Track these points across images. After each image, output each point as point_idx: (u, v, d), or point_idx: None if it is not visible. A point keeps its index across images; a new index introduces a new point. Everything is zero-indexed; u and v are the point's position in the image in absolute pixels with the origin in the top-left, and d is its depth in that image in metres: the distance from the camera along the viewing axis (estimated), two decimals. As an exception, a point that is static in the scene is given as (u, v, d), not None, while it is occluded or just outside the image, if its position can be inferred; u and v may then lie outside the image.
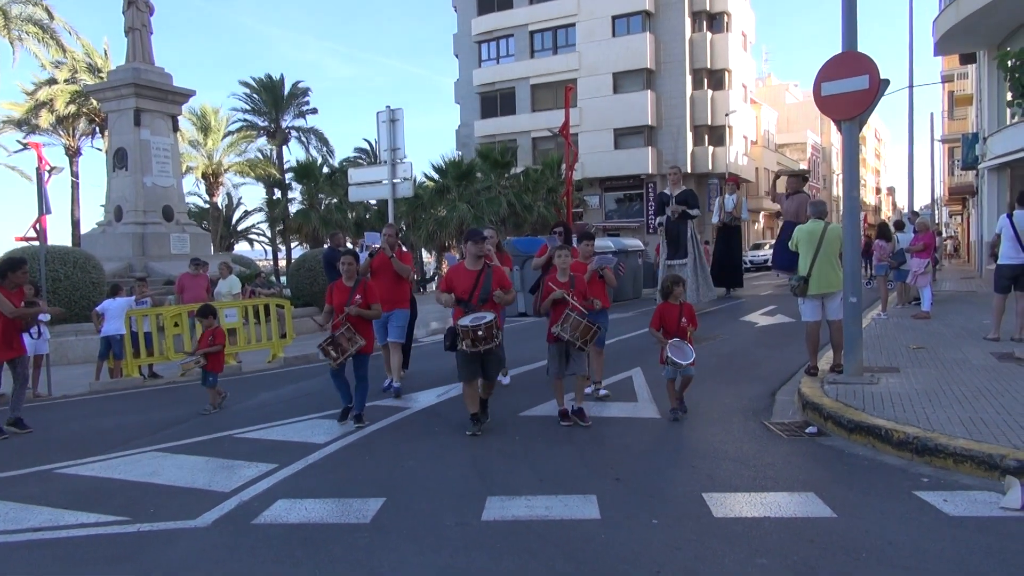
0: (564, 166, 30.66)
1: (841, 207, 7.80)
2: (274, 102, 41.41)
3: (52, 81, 33.40)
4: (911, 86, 23.36)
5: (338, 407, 7.24)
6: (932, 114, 34.47)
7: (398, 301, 8.40)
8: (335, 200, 34.22)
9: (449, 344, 6.36)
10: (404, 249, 9.00)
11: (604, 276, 7.46)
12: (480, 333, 6.12)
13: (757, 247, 40.92)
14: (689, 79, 40.87)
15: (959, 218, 51.57)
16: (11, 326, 7.62)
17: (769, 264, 28.03)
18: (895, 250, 13.50)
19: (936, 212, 43.30)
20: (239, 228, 47.38)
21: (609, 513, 4.43)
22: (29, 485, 5.58)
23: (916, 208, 24.73)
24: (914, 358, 8.59)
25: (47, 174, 11.43)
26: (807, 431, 6.13)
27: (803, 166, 60.35)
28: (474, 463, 5.57)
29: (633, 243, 22.44)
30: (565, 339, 6.39)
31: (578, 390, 6.71)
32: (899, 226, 14.60)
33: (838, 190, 71.45)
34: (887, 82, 7.21)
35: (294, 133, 42.68)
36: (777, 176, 15.81)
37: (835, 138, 68.83)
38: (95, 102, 26.41)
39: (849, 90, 7.08)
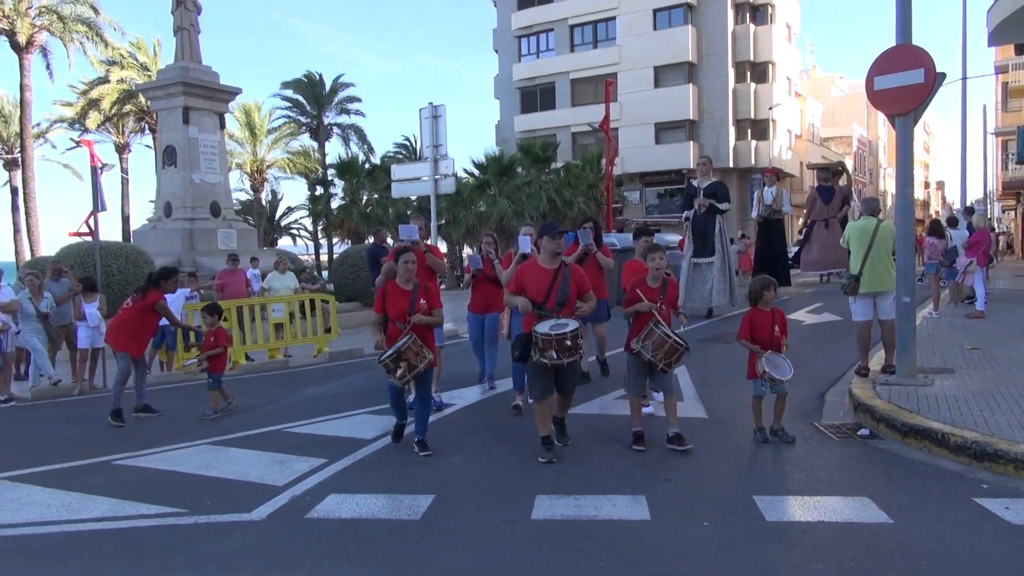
0: (604, 161, 30.56)
1: (890, 202, 7.64)
2: (316, 99, 41.89)
3: (103, 80, 34.26)
4: (964, 78, 22.72)
5: (384, 402, 6.75)
6: (984, 106, 33.56)
7: (433, 300, 7.82)
8: (376, 195, 34.50)
9: (519, 354, 5.55)
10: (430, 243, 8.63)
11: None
12: (567, 343, 5.31)
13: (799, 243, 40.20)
14: (732, 72, 40.28)
15: (1013, 213, 50.05)
16: (143, 325, 8.03)
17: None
18: (948, 247, 13.16)
19: (989, 207, 42.07)
20: (282, 223, 48.14)
21: (659, 514, 4.41)
22: (90, 476, 5.75)
23: (968, 203, 24.05)
24: (969, 359, 8.37)
25: (100, 170, 11.75)
26: (859, 433, 6.02)
27: (848, 160, 59.17)
28: (521, 461, 5.59)
29: (673, 239, 22.21)
30: (646, 358, 5.66)
31: (670, 412, 5.87)
32: (952, 222, 14.22)
33: (885, 184, 69.97)
34: (943, 75, 7.02)
35: (336, 130, 43.15)
36: (816, 170, 15.49)
37: (882, 131, 67.31)
38: (144, 100, 27.03)
39: (904, 84, 6.92)
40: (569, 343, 5.29)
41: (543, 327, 5.37)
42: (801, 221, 12.47)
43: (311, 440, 6.54)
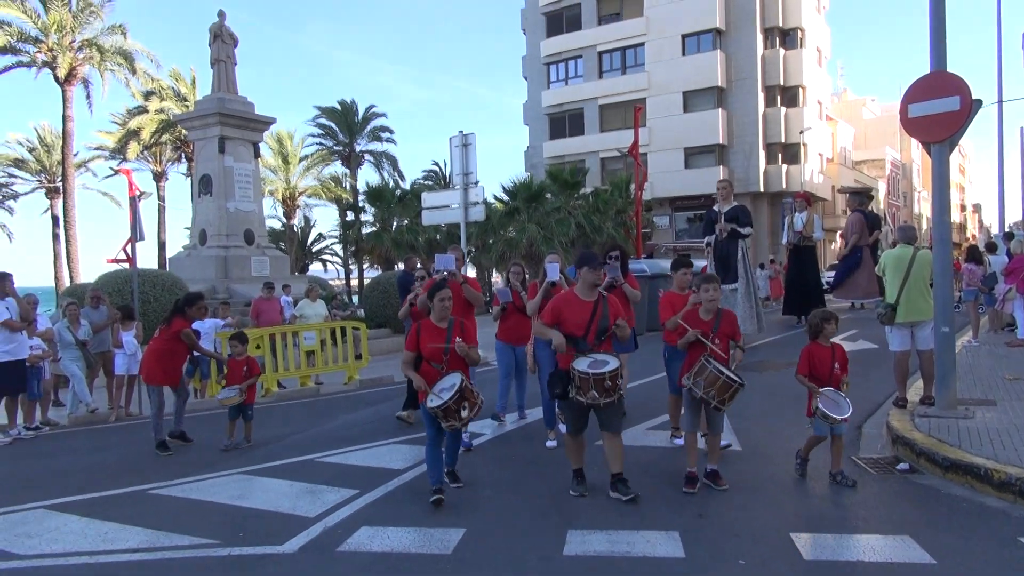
0: (633, 186, 30.54)
1: (925, 225, 7.53)
2: (348, 127, 42.55)
3: (143, 110, 35.17)
4: (1000, 100, 22.39)
5: (420, 432, 6.57)
6: (1022, 128, 32.96)
7: (468, 339, 6.83)
8: (406, 222, 34.83)
9: (560, 392, 5.27)
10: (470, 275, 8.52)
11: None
12: (607, 383, 5.06)
13: (833, 268, 39.72)
14: (762, 96, 40.17)
15: (1053, 236, 48.90)
16: (173, 354, 7.97)
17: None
18: (987, 273, 12.89)
19: (1027, 230, 41.17)
20: (313, 249, 48.73)
21: (693, 551, 4.34)
22: (125, 505, 5.82)
23: (1007, 227, 23.59)
24: (1011, 390, 8.16)
25: (138, 199, 12.01)
26: (898, 468, 5.88)
27: (881, 184, 58.45)
28: (551, 494, 5.54)
29: (699, 264, 22.09)
30: (697, 395, 5.40)
31: (712, 448, 5.66)
32: (991, 248, 13.94)
33: (920, 208, 68.95)
34: (979, 103, 6.93)
35: (368, 157, 43.75)
36: (848, 194, 14.66)
37: (915, 154, 66.46)
38: (182, 130, 27.69)
39: (939, 111, 6.83)
40: (609, 383, 5.04)
41: (582, 364, 5.11)
42: (846, 244, 11.86)
43: (342, 470, 6.55)
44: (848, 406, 5.49)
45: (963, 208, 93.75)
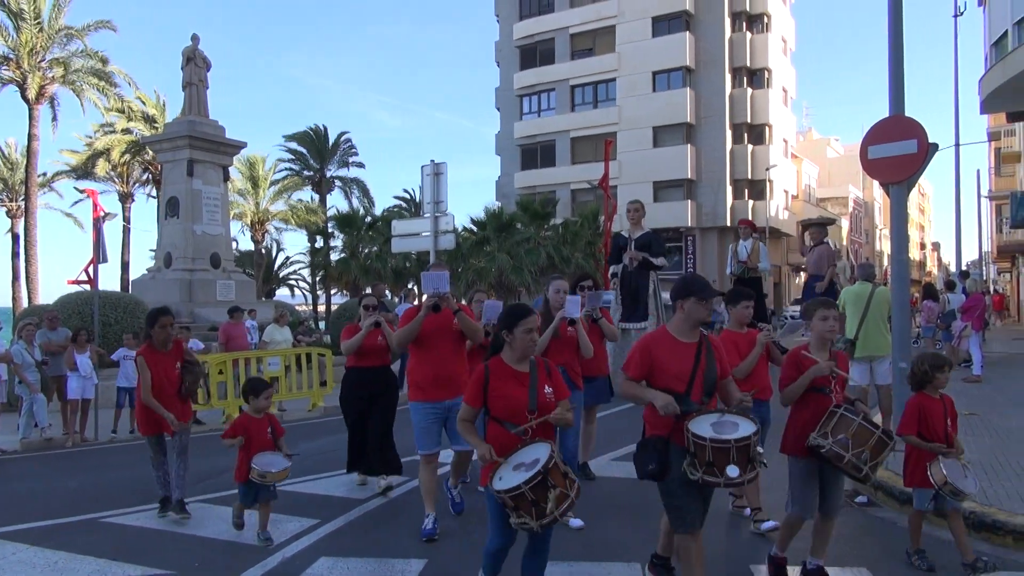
0: (603, 218, 30.83)
1: (887, 265, 7.71)
2: (319, 153, 42.50)
3: (111, 130, 34.79)
4: (957, 144, 23.14)
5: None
6: (979, 171, 34.16)
7: (463, 380, 5.30)
8: (375, 249, 34.72)
9: (658, 468, 3.70)
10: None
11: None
12: (752, 453, 3.57)
13: (798, 303, 40.37)
14: (729, 133, 41.03)
15: (1008, 275, 50.37)
16: (158, 391, 5.98)
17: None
18: (945, 311, 13.22)
19: (984, 270, 42.33)
20: (280, 274, 48.29)
21: (654, 584, 4.33)
22: (77, 534, 5.66)
23: (963, 266, 24.25)
24: (966, 425, 8.32)
25: (102, 220, 11.86)
26: (857, 500, 5.96)
27: (844, 220, 59.79)
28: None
29: (668, 296, 22.33)
30: (846, 458, 3.99)
31: (821, 538, 4.37)
32: (950, 286, 14.32)
33: (881, 245, 70.57)
34: (936, 146, 7.18)
35: (338, 183, 43.66)
36: (805, 227, 12.91)
37: (877, 193, 68.15)
38: (150, 151, 27.44)
39: (897, 154, 7.05)
40: (752, 452, 3.57)
41: (703, 427, 3.59)
42: (814, 277, 11.03)
43: (303, 499, 6.45)
44: (974, 479, 4.55)
45: (923, 246, 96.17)
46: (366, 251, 35.43)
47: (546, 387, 3.80)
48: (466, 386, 5.04)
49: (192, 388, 6.25)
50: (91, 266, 11.42)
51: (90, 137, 36.34)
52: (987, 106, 23.23)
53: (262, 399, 5.56)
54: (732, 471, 3.51)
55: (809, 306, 4.59)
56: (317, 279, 41.83)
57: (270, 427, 5.56)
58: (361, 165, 46.31)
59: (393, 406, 6.66)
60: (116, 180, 37.20)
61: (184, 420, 6.14)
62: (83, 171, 36.24)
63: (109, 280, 45.54)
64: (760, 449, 3.61)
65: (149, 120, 35.37)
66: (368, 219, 37.07)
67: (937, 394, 4.70)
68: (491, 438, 3.73)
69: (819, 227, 11.89)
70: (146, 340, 6.16)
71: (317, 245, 40.22)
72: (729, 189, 40.91)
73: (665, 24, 41.16)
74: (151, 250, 22.34)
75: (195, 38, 19.03)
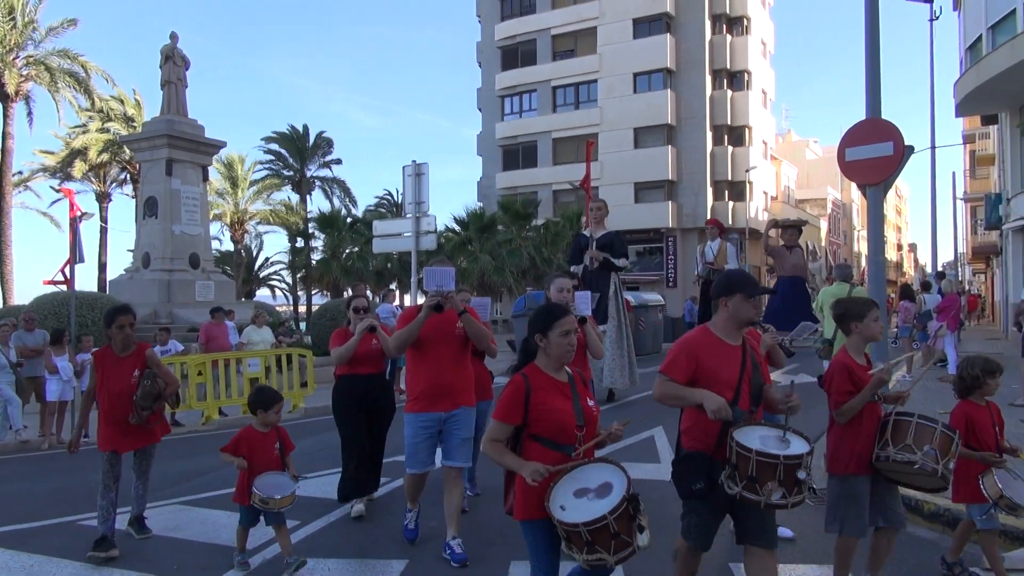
0: (584, 219, 30.97)
1: (864, 264, 7.81)
2: (299, 153, 42.31)
3: (88, 129, 34.41)
4: (933, 147, 23.45)
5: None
6: (954, 173, 34.69)
7: (463, 390, 5.01)
8: (356, 249, 34.63)
9: (705, 487, 3.34)
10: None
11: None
12: (800, 474, 3.16)
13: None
14: (710, 135, 41.30)
15: (983, 276, 51.16)
16: (119, 407, 5.19)
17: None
18: (921, 311, 13.41)
19: (959, 270, 42.93)
20: (261, 275, 48.01)
21: (635, 582, 4.36)
22: (55, 537, 5.60)
23: (939, 267, 24.59)
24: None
25: (79, 220, 11.73)
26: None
27: (822, 222, 60.40)
28: (498, 525, 5.52)
29: (653, 297, 22.49)
30: (930, 468, 3.63)
31: (882, 555, 4.09)
32: (926, 287, 14.52)
33: (859, 246, 71.35)
34: (911, 149, 7.28)
35: (318, 183, 43.48)
36: (770, 226, 12.45)
37: (855, 194, 68.90)
38: (128, 151, 27.18)
39: (874, 156, 7.15)
40: (803, 473, 3.17)
41: (750, 438, 3.24)
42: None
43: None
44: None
45: (899, 247, 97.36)
46: (347, 252, 35.34)
47: (588, 399, 3.38)
48: (466, 395, 4.96)
49: (145, 404, 5.15)
50: (68, 266, 11.31)
51: (67, 136, 35.92)
52: (962, 109, 23.62)
53: (272, 413, 4.85)
54: (776, 496, 3.13)
55: (858, 306, 4.12)
56: (298, 280, 41.66)
57: (278, 442, 4.89)
58: (338, 162, 46.01)
59: (388, 421, 6.19)
60: (93, 180, 36.80)
61: (142, 443, 5.34)
62: (60, 171, 35.82)
63: (86, 281, 44.95)
64: (807, 475, 3.18)
65: (127, 119, 35.04)
66: (349, 219, 36.99)
67: (984, 401, 4.35)
68: (529, 453, 3.22)
69: (795, 229, 11.75)
70: (106, 340, 5.41)
71: (298, 245, 40.07)
72: (709, 190, 41.17)
73: (646, 26, 41.37)
74: (129, 250, 22.13)
75: (174, 36, 18.91)
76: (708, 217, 40.34)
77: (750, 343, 3.58)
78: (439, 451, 5.05)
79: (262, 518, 4.79)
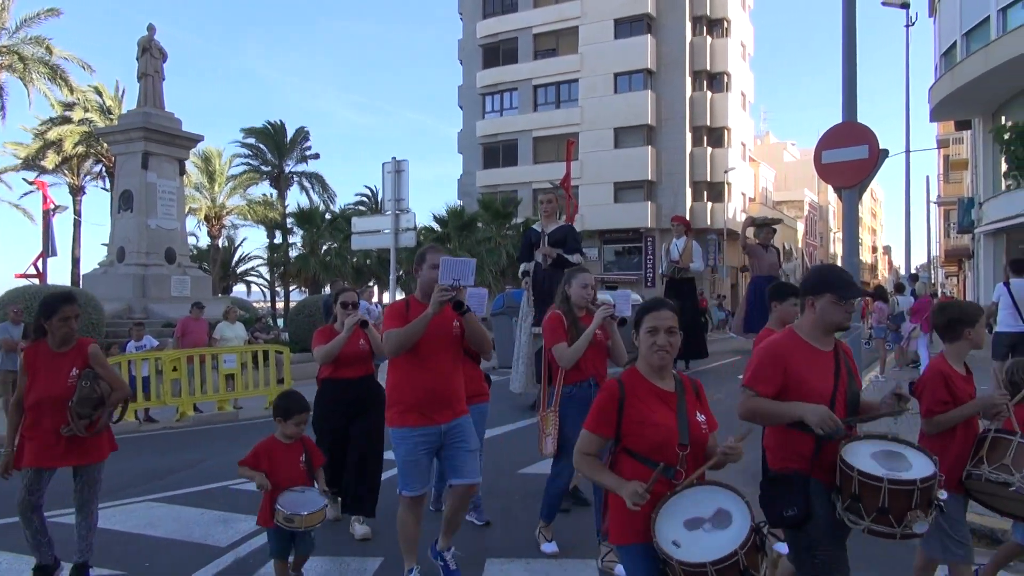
0: (564, 218, 31.01)
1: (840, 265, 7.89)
2: (277, 147, 41.97)
3: (65, 120, 33.90)
4: (908, 151, 23.78)
5: None
6: (928, 177, 35.18)
7: (461, 398, 4.44)
8: (335, 245, 34.44)
9: (800, 514, 2.89)
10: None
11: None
12: (933, 497, 2.80)
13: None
14: (689, 136, 41.55)
15: (956, 279, 51.95)
16: (51, 414, 4.32)
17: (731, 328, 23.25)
18: (894, 312, 13.60)
19: (932, 273, 43.55)
20: (238, 270, 47.55)
21: (610, 580, 4.38)
22: (23, 534, 5.51)
23: (913, 269, 24.95)
24: (916, 424, 8.57)
25: (52, 213, 11.57)
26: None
27: (799, 223, 61.00)
28: (473, 524, 5.52)
29: (632, 297, 22.54)
30: (1021, 491, 3.29)
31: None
32: (899, 289, 14.73)
33: (834, 248, 72.14)
34: (886, 152, 7.37)
35: (297, 178, 43.16)
36: (747, 224, 11.85)
37: (831, 196, 69.67)
38: (104, 144, 26.81)
39: (849, 159, 7.23)
40: (944, 493, 2.88)
41: (864, 461, 2.85)
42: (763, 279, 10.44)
43: (258, 498, 6.36)
44: None
45: (874, 250, 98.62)
46: (326, 248, 35.14)
47: (698, 413, 2.92)
48: (463, 403, 4.37)
49: (82, 411, 4.26)
50: (40, 260, 11.15)
51: (40, 128, 35.35)
52: (936, 114, 23.98)
53: (291, 425, 4.24)
54: (920, 527, 2.74)
55: (972, 311, 3.73)
56: (276, 276, 41.34)
57: (304, 455, 4.26)
58: (316, 156, 45.66)
59: (380, 425, 5.27)
60: (67, 172, 36.25)
61: (78, 459, 4.39)
62: (32, 163, 35.24)
63: (59, 274, 44.35)
64: (943, 494, 2.83)
65: (105, 111, 34.55)
66: (328, 215, 36.77)
67: None
68: (623, 470, 2.81)
69: (770, 229, 11.67)
70: (42, 335, 4.43)
71: (276, 241, 39.77)
72: (688, 191, 41.42)
73: (627, 26, 41.51)
74: (103, 244, 21.82)
75: (151, 28, 18.69)
76: (687, 218, 40.63)
77: (843, 347, 3.20)
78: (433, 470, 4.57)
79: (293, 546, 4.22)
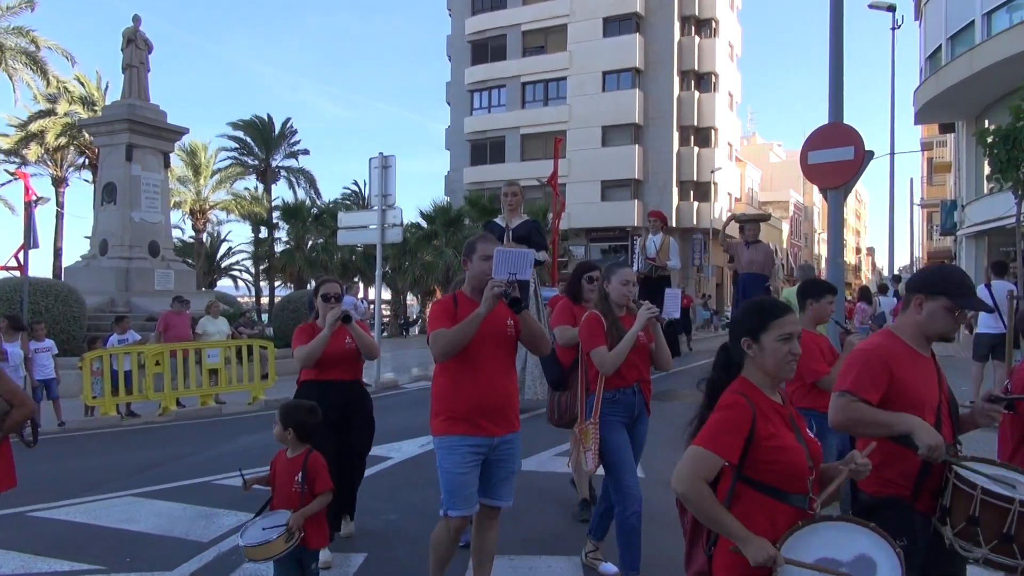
0: (551, 215, 31.01)
1: (824, 266, 7.94)
2: (264, 142, 41.69)
3: (49, 112, 33.53)
4: (892, 153, 23.97)
5: None
6: (912, 179, 35.61)
7: (514, 410, 3.94)
8: (321, 241, 34.28)
9: (908, 546, 2.32)
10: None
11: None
12: None
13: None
14: (676, 135, 41.68)
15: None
16: None
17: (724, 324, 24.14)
18: (876, 313, 13.71)
19: (915, 275, 43.89)
20: (222, 265, 47.23)
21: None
22: (3, 529, 5.46)
23: (895, 271, 25.16)
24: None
25: (34, 204, 11.45)
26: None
27: (784, 224, 61.37)
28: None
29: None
30: None
31: None
32: (883, 290, 14.85)
33: (819, 248, 72.64)
34: (871, 153, 7.42)
35: (283, 173, 42.89)
36: (729, 220, 11.31)
37: (817, 197, 70.13)
38: (87, 135, 26.53)
39: (835, 160, 7.29)
40: None
41: (979, 479, 2.46)
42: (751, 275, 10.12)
43: (241, 493, 6.32)
44: None
45: (859, 251, 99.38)
46: (312, 243, 34.97)
47: (805, 427, 2.53)
48: (517, 417, 3.81)
49: None
50: (21, 252, 11.02)
51: (20, 119, 34.95)
52: (921, 117, 24.16)
53: (286, 433, 3.83)
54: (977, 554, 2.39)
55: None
56: (261, 270, 41.10)
57: (300, 474, 3.67)
58: (305, 152, 45.44)
59: (368, 435, 5.05)
60: (49, 164, 35.86)
61: None
62: (15, 154, 34.83)
63: (41, 267, 43.87)
64: None
65: (88, 102, 34.18)
66: (315, 210, 36.58)
67: None
68: (754, 521, 2.28)
69: (756, 224, 11.49)
70: None
71: (261, 236, 39.53)
72: (675, 190, 41.55)
73: (616, 25, 41.58)
74: (86, 237, 21.52)
75: (136, 19, 18.50)
76: (674, 217, 40.75)
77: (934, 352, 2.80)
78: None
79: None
